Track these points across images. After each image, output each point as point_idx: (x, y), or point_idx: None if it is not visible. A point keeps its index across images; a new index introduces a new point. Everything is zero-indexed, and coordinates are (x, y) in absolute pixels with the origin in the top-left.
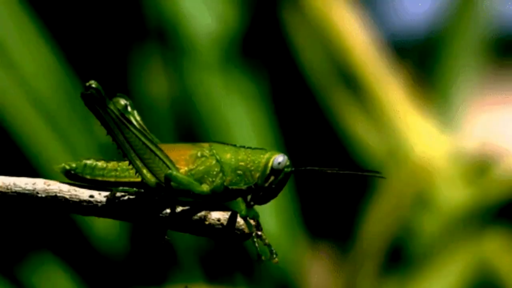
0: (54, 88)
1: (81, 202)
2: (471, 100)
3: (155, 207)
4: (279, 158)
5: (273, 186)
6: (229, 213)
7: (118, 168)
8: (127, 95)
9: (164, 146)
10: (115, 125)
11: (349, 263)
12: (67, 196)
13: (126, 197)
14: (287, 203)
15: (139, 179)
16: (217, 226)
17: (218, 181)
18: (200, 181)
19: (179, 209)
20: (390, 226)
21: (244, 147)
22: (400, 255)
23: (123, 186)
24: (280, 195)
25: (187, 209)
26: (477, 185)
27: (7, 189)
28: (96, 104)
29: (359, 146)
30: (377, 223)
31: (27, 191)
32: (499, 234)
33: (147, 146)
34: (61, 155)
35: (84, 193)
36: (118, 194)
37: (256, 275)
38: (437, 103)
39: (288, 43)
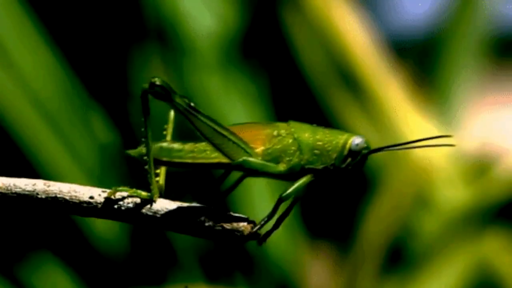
0: (54, 88)
1: (81, 203)
2: (471, 100)
3: (154, 209)
4: (357, 140)
5: (350, 167)
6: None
7: (195, 150)
8: (127, 95)
9: (239, 126)
10: (186, 116)
11: (349, 263)
12: (67, 197)
13: (126, 198)
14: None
15: (216, 160)
16: (217, 228)
17: (295, 159)
18: (277, 160)
19: (178, 210)
20: (390, 226)
21: (321, 127)
22: (400, 255)
23: (201, 168)
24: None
25: (187, 210)
26: (477, 185)
27: (7, 190)
28: (162, 100)
29: None
30: (377, 223)
31: (27, 192)
32: (499, 234)
33: (219, 132)
34: (61, 155)
35: (84, 194)
36: (118, 195)
37: (256, 275)
38: (437, 103)
39: (288, 43)
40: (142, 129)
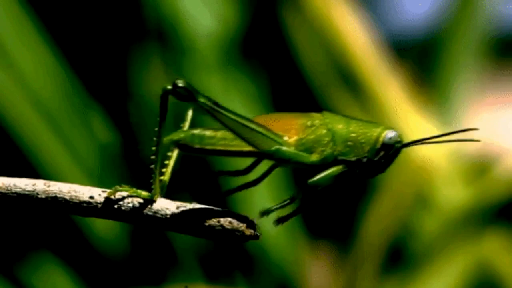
0: (54, 88)
1: (81, 203)
2: (471, 100)
3: (154, 209)
4: (391, 133)
5: (382, 160)
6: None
7: (227, 137)
8: (127, 95)
9: (272, 116)
10: (212, 114)
11: (349, 263)
12: (67, 197)
13: (126, 198)
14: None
15: (248, 148)
16: (217, 228)
17: (328, 150)
18: (310, 150)
19: (178, 210)
20: (390, 226)
21: (355, 119)
22: (400, 255)
23: (232, 155)
24: (279, 195)
25: (187, 210)
26: (477, 185)
27: (7, 190)
28: (185, 100)
29: None
30: (377, 223)
31: (27, 192)
32: (499, 234)
33: (248, 126)
34: (61, 155)
35: (84, 194)
36: (118, 195)
37: (256, 275)
38: (437, 103)
39: (288, 43)
40: (156, 129)
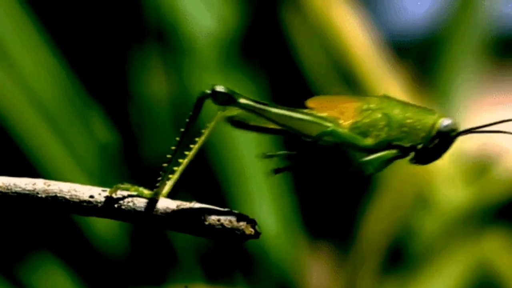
0: (54, 88)
1: (81, 202)
2: (471, 100)
3: (154, 207)
4: (447, 121)
5: (437, 148)
6: (229, 213)
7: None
8: (127, 95)
9: (327, 98)
10: (257, 113)
11: (349, 263)
12: (67, 197)
13: (126, 197)
14: (287, 203)
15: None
16: (217, 227)
17: (383, 135)
18: (365, 134)
19: (178, 209)
20: (390, 226)
21: (412, 104)
22: (400, 255)
23: (288, 135)
24: (279, 194)
25: (187, 209)
26: (477, 185)
27: (7, 189)
28: (225, 104)
29: None
30: (377, 223)
31: (27, 192)
32: (499, 234)
33: (298, 118)
34: (61, 155)
35: (84, 194)
36: (118, 194)
37: (255, 275)
38: (437, 103)
39: (288, 43)
40: (182, 129)
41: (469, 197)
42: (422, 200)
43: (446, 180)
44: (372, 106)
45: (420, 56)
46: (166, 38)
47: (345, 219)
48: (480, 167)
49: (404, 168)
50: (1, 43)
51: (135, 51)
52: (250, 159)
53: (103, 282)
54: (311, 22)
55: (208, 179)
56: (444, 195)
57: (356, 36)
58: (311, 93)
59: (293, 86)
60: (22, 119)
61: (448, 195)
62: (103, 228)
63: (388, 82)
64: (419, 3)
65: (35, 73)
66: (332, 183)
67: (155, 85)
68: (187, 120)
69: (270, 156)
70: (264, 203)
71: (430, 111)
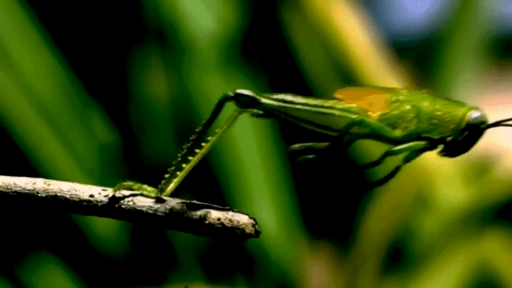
0: (54, 88)
1: (81, 201)
2: (471, 100)
3: (154, 207)
4: (476, 113)
5: (466, 140)
6: (229, 212)
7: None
8: (127, 95)
9: (355, 89)
10: (282, 112)
11: (349, 263)
12: (67, 196)
13: (126, 197)
14: (287, 203)
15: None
16: (217, 226)
17: (412, 127)
18: (394, 125)
19: (178, 208)
20: (390, 226)
21: (441, 97)
22: (400, 255)
23: (316, 126)
24: (280, 194)
25: (187, 208)
26: (477, 185)
27: (7, 189)
28: (249, 107)
29: (359, 146)
30: (377, 223)
31: (27, 191)
32: (499, 234)
33: (323, 112)
34: (61, 155)
35: (84, 193)
36: (118, 194)
37: (255, 275)
38: None
39: (288, 43)
40: (197, 130)
41: (469, 197)
42: (422, 200)
43: (446, 180)
44: (401, 98)
45: (420, 56)
46: (166, 38)
47: (345, 219)
48: (480, 167)
49: (404, 168)
50: (1, 43)
51: (135, 51)
52: (250, 159)
53: (103, 282)
54: (311, 22)
55: (208, 179)
56: (444, 195)
57: (356, 36)
58: (311, 93)
59: (293, 86)
60: (22, 119)
61: (448, 195)
62: (103, 228)
63: (388, 82)
64: (419, 3)
65: (35, 73)
66: (331, 183)
67: (155, 85)
68: (204, 122)
69: (297, 150)
70: (264, 203)
71: (460, 103)
